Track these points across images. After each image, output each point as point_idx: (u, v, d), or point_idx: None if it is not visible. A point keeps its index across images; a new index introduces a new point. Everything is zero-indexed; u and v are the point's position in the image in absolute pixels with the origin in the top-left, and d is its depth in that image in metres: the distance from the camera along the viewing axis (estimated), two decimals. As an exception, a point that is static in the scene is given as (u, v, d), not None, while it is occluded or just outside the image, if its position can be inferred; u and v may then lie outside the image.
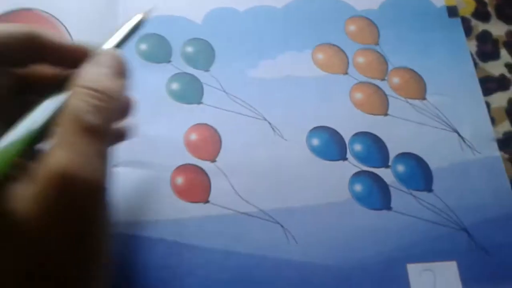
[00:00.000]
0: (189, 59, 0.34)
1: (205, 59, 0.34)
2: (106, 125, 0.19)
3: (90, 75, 0.20)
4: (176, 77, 0.33)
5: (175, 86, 0.33)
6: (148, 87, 0.32)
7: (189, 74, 0.33)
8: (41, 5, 0.35)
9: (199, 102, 0.32)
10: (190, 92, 0.33)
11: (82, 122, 0.18)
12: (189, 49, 0.34)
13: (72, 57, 0.22)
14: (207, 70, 0.33)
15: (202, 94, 0.33)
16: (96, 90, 0.19)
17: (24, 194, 0.17)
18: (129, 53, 0.33)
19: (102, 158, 0.19)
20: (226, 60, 0.34)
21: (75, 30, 0.34)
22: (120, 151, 0.30)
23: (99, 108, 0.19)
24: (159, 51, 0.34)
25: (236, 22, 0.35)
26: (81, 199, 0.17)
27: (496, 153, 0.31)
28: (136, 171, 0.30)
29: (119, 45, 0.24)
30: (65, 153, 0.17)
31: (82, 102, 0.19)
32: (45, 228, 0.17)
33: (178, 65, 0.33)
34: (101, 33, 0.34)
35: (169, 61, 0.34)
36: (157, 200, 0.29)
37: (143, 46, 0.34)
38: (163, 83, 0.33)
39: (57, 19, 0.35)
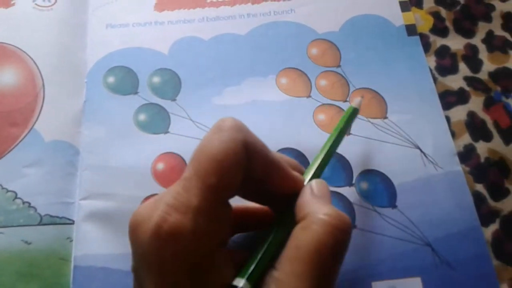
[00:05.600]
0: (156, 90, 0.35)
1: (171, 89, 0.35)
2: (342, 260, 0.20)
3: (329, 209, 0.20)
4: (143, 108, 0.34)
5: (142, 117, 0.33)
6: (116, 119, 0.33)
7: (156, 104, 0.34)
8: (9, 39, 0.36)
9: (166, 132, 0.33)
10: (157, 122, 0.33)
11: (326, 257, 0.18)
12: (156, 79, 0.35)
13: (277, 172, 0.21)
14: (173, 100, 0.34)
15: (169, 123, 0.33)
16: (340, 229, 0.19)
17: None
18: (97, 86, 0.34)
19: None
20: (192, 89, 0.35)
21: (42, 63, 0.35)
22: (87, 184, 0.31)
23: (344, 246, 0.19)
24: (126, 83, 0.35)
25: (202, 50, 0.36)
26: None
27: (458, 167, 0.32)
28: (105, 203, 0.30)
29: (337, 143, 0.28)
30: (302, 284, 0.18)
31: (330, 238, 0.19)
32: None
33: (145, 96, 0.34)
34: (70, 65, 0.35)
35: (136, 93, 0.34)
36: (126, 232, 0.29)
37: (111, 79, 0.35)
38: (131, 114, 0.34)
39: (25, 53, 0.36)
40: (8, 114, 0.33)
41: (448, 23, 0.39)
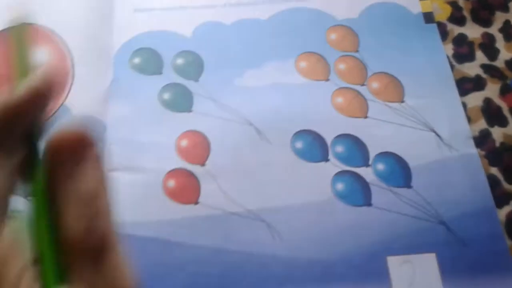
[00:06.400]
0: (180, 71, 0.36)
1: (194, 70, 0.36)
2: None
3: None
4: (167, 87, 0.35)
5: (166, 96, 0.35)
6: (141, 97, 0.35)
7: (180, 84, 0.35)
8: (40, 19, 0.38)
9: (189, 110, 0.34)
10: (180, 101, 0.35)
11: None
12: (180, 61, 0.36)
13: None
14: (196, 80, 0.36)
15: (192, 102, 0.35)
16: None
17: None
18: (123, 66, 0.36)
19: None
20: (214, 71, 0.36)
21: (72, 44, 0.37)
22: (114, 157, 0.32)
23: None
24: (151, 64, 0.36)
25: (224, 34, 0.38)
26: None
27: (473, 150, 0.33)
28: (131, 175, 0.32)
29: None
30: None
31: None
32: None
33: (169, 76, 0.36)
34: (98, 46, 0.37)
35: (160, 73, 0.36)
36: (150, 202, 0.31)
37: (136, 60, 0.36)
38: (155, 93, 0.35)
39: (57, 34, 0.37)
40: (40, 91, 0.35)
41: (465, 13, 0.40)
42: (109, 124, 0.34)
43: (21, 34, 0.17)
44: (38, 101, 0.15)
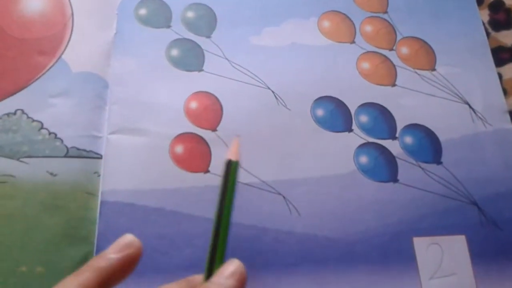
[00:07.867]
0: (190, 25, 0.32)
1: (206, 25, 0.32)
2: None
3: None
4: (176, 43, 0.32)
5: (175, 52, 0.31)
6: (147, 53, 0.31)
7: (190, 40, 0.32)
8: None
9: (200, 69, 0.31)
10: (190, 58, 0.31)
11: None
12: (190, 14, 0.33)
13: None
14: (208, 37, 0.32)
15: (203, 61, 0.31)
16: None
17: None
18: (128, 17, 0.32)
19: None
20: (229, 27, 0.32)
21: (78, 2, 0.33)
22: (117, 118, 0.29)
23: None
24: (159, 16, 0.32)
25: (239, -13, 0.34)
26: None
27: (509, 125, 0.30)
28: (134, 139, 0.29)
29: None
30: None
31: None
32: None
33: (178, 30, 0.32)
34: (103, 4, 0.33)
35: (169, 26, 0.32)
36: (155, 169, 0.28)
37: (142, 11, 0.33)
38: (163, 49, 0.31)
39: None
40: (36, 42, 0.31)
41: (503, -24, 0.36)
42: (111, 82, 0.30)
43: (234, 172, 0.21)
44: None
